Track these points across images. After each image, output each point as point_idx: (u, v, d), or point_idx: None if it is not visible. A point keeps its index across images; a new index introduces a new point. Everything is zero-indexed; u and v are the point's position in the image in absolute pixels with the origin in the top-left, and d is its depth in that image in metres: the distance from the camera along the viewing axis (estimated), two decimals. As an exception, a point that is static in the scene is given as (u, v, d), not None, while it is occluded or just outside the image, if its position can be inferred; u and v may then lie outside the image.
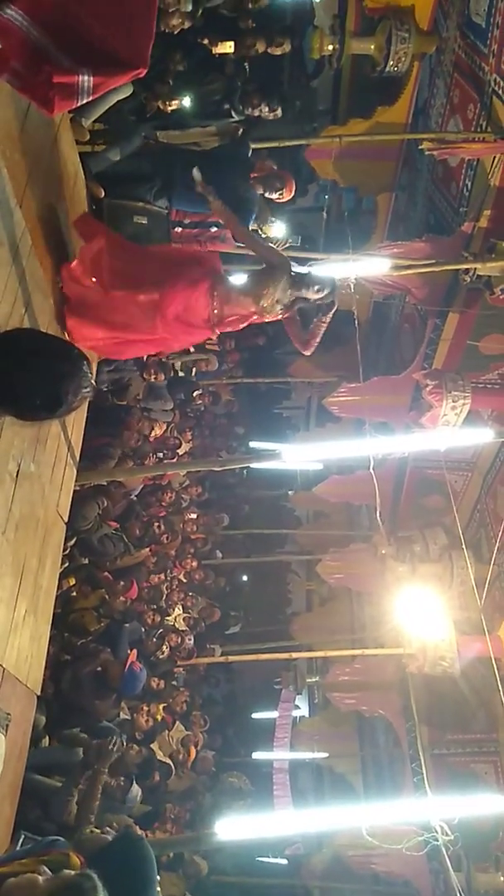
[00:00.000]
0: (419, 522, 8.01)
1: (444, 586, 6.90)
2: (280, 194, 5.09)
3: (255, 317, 3.88)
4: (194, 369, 7.82)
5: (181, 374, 7.64)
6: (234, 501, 10.07)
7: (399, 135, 6.26)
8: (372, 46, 5.85)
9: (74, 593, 5.20)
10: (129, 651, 5.30)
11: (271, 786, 8.79)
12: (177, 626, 7.15)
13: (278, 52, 5.17)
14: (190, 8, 4.42)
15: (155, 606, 6.70)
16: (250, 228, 4.63)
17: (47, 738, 4.62)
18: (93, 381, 2.02)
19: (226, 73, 4.65)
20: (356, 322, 6.29)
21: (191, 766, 6.52)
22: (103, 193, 4.40)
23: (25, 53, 2.06)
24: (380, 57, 5.77)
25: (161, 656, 6.47)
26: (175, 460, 7.18)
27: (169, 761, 6.06)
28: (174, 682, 6.87)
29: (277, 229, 5.53)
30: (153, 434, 6.65)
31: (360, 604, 9.10)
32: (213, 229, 4.74)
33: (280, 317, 3.91)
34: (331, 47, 6.05)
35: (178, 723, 6.64)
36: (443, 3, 5.61)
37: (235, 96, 4.83)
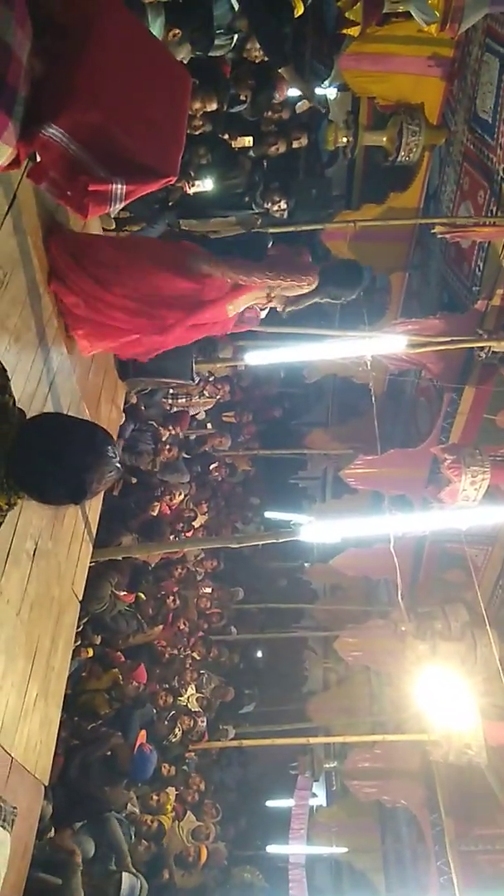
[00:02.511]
0: (439, 598, 7.80)
1: (468, 667, 6.63)
2: None
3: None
4: (208, 446, 7.87)
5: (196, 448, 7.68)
6: (249, 573, 9.90)
7: (411, 220, 6.48)
8: (384, 139, 6.16)
9: (85, 674, 5.05)
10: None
11: (286, 882, 8.24)
12: (189, 706, 6.89)
13: (296, 145, 5.48)
14: (214, 107, 4.72)
15: (167, 686, 6.49)
16: None
17: (53, 829, 4.38)
18: (117, 464, 2.01)
19: (247, 170, 4.91)
20: (372, 395, 6.35)
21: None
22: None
23: (63, 165, 2.20)
24: (392, 148, 6.07)
25: (173, 740, 6.21)
26: (191, 533, 7.12)
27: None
28: (185, 768, 6.55)
29: None
30: (172, 502, 6.58)
31: (380, 684, 8.76)
32: None
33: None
34: (345, 139, 6.39)
35: (189, 813, 6.30)
36: (451, 101, 5.94)
37: (257, 191, 5.07)
